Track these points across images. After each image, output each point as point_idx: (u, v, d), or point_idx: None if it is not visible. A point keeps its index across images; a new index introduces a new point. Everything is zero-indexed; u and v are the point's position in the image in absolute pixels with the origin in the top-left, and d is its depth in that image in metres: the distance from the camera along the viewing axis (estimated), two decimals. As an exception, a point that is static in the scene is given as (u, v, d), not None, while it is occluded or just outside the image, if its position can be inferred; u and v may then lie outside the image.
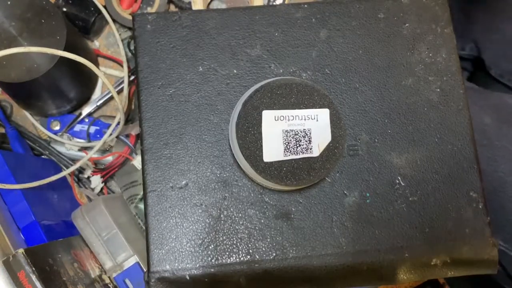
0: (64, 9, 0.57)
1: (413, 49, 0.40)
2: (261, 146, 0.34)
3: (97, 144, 0.52)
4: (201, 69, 0.39)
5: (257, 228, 0.36)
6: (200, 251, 0.35)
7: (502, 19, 0.55)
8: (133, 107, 0.59)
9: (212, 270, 0.35)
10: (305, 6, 0.40)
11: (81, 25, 0.57)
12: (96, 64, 0.60)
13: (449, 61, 0.40)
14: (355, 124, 0.38)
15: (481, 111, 0.40)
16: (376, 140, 0.38)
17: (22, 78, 0.48)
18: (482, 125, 0.39)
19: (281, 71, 0.39)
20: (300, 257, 0.36)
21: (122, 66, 0.58)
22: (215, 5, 0.61)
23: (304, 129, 0.34)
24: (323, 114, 0.34)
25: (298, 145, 0.34)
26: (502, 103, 0.50)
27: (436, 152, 0.38)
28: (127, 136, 0.56)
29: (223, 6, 0.61)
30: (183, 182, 0.37)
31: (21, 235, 0.47)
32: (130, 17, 0.58)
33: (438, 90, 0.39)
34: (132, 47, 0.59)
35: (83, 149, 0.58)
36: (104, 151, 0.58)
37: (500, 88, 0.56)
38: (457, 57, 0.40)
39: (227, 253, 0.35)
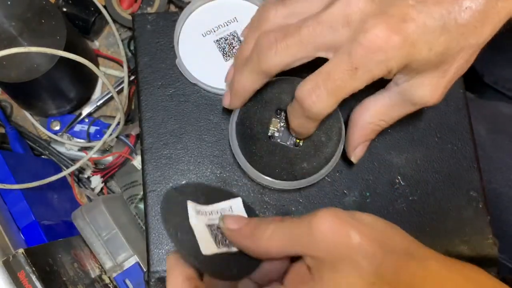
0: (64, 9, 0.57)
1: (413, 48, 0.40)
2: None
3: (97, 144, 0.52)
4: (201, 69, 0.39)
5: (257, 227, 0.36)
6: (200, 250, 0.35)
7: None
8: (133, 107, 0.59)
9: (212, 269, 0.35)
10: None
11: (81, 25, 0.57)
12: (96, 64, 0.60)
13: (449, 60, 0.40)
14: (355, 124, 0.38)
15: (476, 122, 0.40)
16: (376, 139, 0.38)
17: (22, 78, 0.48)
18: (477, 136, 0.39)
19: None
20: (300, 256, 0.36)
21: (122, 66, 0.58)
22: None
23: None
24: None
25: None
26: (497, 112, 0.50)
27: (436, 151, 0.38)
28: (127, 136, 0.56)
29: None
30: (183, 182, 0.37)
31: (21, 235, 0.47)
32: (130, 17, 0.58)
33: (438, 89, 0.39)
34: (132, 47, 0.59)
35: (83, 149, 0.58)
36: (104, 151, 0.58)
37: (494, 95, 0.56)
38: (457, 57, 0.40)
39: (227, 253, 0.35)
